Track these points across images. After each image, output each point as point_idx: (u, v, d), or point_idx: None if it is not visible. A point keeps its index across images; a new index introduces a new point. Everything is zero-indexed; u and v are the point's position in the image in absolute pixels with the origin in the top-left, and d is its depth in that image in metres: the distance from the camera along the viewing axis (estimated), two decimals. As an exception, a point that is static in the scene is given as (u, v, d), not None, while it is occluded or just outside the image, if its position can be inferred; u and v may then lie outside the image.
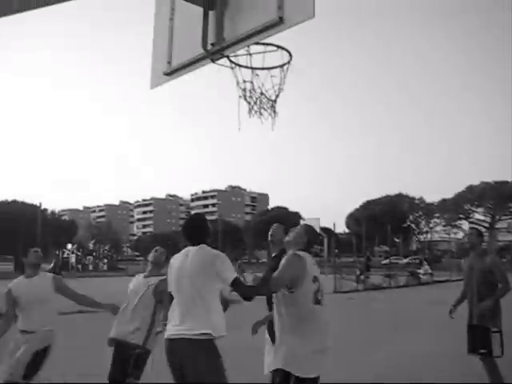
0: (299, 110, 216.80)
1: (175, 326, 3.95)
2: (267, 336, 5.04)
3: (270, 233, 5.32)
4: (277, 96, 4.56)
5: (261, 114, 4.50)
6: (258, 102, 4.51)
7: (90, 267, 52.93)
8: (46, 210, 58.97)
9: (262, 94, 4.49)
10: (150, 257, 5.46)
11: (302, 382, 3.88)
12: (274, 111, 4.55)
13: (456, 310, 6.54)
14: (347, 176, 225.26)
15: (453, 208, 77.78)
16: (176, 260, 4.20)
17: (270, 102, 4.53)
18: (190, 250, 4.13)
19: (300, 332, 3.96)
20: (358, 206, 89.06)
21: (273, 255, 5.23)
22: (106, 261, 56.93)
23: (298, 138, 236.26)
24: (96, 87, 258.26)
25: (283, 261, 4.11)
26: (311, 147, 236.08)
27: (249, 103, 4.55)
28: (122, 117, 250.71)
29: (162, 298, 5.11)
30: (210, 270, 3.94)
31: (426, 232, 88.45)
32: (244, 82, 4.51)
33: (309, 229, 4.46)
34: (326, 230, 44.72)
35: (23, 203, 58.24)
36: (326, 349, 4.07)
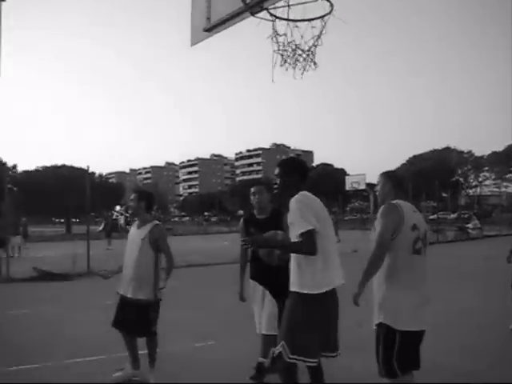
0: (343, 61, 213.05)
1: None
2: (256, 294, 5.24)
3: (255, 199, 5.29)
4: (315, 47, 4.44)
5: (303, 68, 4.41)
6: (297, 54, 4.40)
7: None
8: (93, 173, 60.21)
9: (297, 47, 4.39)
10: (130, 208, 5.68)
11: (407, 336, 3.72)
12: (314, 63, 4.44)
13: None
14: (393, 130, 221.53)
15: (503, 161, 75.76)
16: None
17: (309, 54, 4.42)
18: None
19: (399, 283, 3.78)
20: (404, 161, 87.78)
21: (263, 217, 5.27)
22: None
23: (344, 92, 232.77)
24: (131, 46, 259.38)
25: (378, 216, 3.90)
26: (358, 100, 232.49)
27: (286, 55, 4.46)
28: (161, 77, 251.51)
29: (159, 246, 5.34)
30: None
31: (476, 186, 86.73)
32: (282, 35, 4.40)
33: (389, 174, 4.22)
34: (371, 185, 44.41)
35: (72, 167, 59.61)
36: (426, 300, 3.88)
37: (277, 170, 4.00)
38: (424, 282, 3.91)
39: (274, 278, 4.90)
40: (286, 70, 4.49)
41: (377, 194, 4.20)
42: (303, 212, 3.64)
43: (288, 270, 4.36)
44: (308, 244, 3.58)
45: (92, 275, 13.09)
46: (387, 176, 4.19)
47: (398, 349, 3.71)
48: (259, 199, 5.28)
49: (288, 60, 4.47)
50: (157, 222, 5.45)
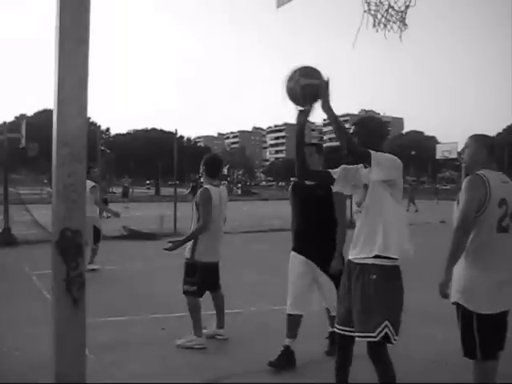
0: (434, 25, 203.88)
1: None
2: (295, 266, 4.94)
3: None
4: (408, 7, 4.22)
5: (398, 28, 4.22)
6: (386, 15, 4.21)
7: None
8: (182, 137, 61.63)
9: (390, 6, 4.19)
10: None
11: (485, 319, 3.41)
12: (404, 24, 4.23)
13: None
14: (490, 98, 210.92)
15: None
16: None
17: (400, 14, 4.21)
18: None
19: (478, 263, 3.45)
20: (501, 130, 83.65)
21: (311, 183, 4.77)
22: (239, 185, 58.79)
23: (434, 56, 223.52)
24: (223, 9, 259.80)
25: (462, 189, 3.49)
26: (450, 64, 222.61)
27: (377, 16, 4.28)
28: (252, 39, 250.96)
29: (198, 210, 5.42)
30: None
31: None
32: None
33: (481, 138, 3.67)
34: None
35: (161, 131, 61.28)
36: (510, 281, 3.48)
37: (354, 129, 3.66)
38: (509, 262, 3.53)
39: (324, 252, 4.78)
40: (377, 31, 4.29)
41: (463, 159, 3.75)
42: (388, 162, 3.40)
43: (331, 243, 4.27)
44: (363, 151, 3.32)
45: (178, 235, 13.47)
46: (478, 140, 3.65)
47: (477, 332, 3.43)
48: (308, 162, 4.67)
49: (381, 20, 4.27)
50: (206, 186, 5.49)
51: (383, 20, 4.23)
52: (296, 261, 4.96)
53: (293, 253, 5.02)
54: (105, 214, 15.47)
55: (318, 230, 4.88)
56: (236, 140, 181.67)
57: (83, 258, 2.60)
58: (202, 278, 5.39)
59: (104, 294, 7.42)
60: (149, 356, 5.10)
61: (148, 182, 79.56)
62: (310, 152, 4.69)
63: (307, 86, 3.40)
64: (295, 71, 3.45)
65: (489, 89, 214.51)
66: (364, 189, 3.52)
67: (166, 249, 5.40)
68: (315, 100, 3.44)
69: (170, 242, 5.50)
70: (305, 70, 3.46)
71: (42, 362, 4.39)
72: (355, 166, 3.65)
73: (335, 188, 3.75)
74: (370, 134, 3.60)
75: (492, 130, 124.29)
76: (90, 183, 9.69)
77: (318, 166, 4.78)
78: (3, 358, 4.99)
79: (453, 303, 3.58)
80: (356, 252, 3.53)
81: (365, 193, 3.51)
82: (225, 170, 65.33)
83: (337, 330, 3.64)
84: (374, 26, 4.25)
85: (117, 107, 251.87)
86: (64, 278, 2.53)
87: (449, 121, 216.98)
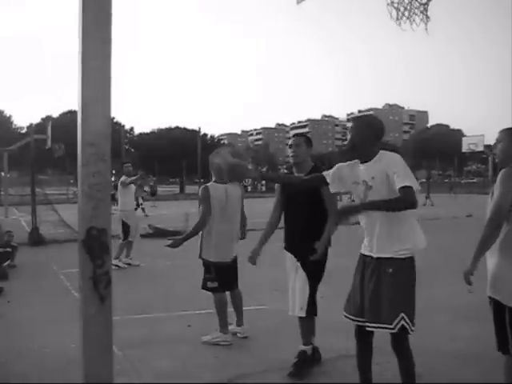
0: (455, 15, 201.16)
1: None
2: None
3: (291, 152, 4.71)
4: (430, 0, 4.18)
5: (412, 19, 4.18)
6: (409, 7, 4.17)
7: (249, 188, 55.11)
8: (205, 134, 61.81)
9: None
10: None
11: None
12: (427, 16, 4.18)
13: None
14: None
15: None
16: None
17: (422, 7, 4.17)
18: None
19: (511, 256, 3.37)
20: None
21: (300, 175, 4.60)
22: (264, 182, 58.76)
23: (460, 47, 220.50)
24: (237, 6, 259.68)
25: (497, 181, 3.41)
26: (474, 56, 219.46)
27: (401, 9, 4.24)
28: (267, 36, 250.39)
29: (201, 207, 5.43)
30: None
31: None
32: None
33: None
34: (490, 147, 42.07)
35: (185, 129, 61.55)
36: None
37: (350, 126, 3.69)
38: None
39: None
40: (399, 24, 4.26)
41: (495, 154, 3.65)
42: (407, 169, 3.37)
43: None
44: (412, 197, 3.24)
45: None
46: (511, 134, 3.56)
47: (510, 327, 3.35)
48: (295, 152, 4.71)
49: (403, 13, 4.24)
50: (207, 184, 5.49)
51: (406, 13, 4.20)
52: (286, 260, 4.87)
53: (284, 251, 4.91)
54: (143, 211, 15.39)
55: (306, 225, 4.67)
56: (259, 137, 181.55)
57: (109, 255, 2.63)
58: (217, 276, 5.40)
59: (130, 292, 7.50)
60: (175, 353, 5.13)
61: (172, 180, 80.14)
62: (298, 142, 4.72)
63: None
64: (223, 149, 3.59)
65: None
66: (364, 185, 3.52)
67: (167, 245, 5.45)
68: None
69: (169, 239, 5.61)
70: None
71: (71, 359, 4.46)
72: (350, 162, 3.65)
73: (332, 189, 3.76)
74: (363, 132, 3.55)
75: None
76: (125, 178, 9.94)
77: (305, 157, 4.73)
78: (34, 356, 5.06)
79: (488, 297, 3.54)
80: (370, 246, 3.55)
81: (367, 188, 3.50)
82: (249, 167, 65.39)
83: (354, 322, 3.65)
84: (398, 18, 4.23)
85: (140, 106, 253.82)
86: (91, 276, 2.56)
87: (475, 113, 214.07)
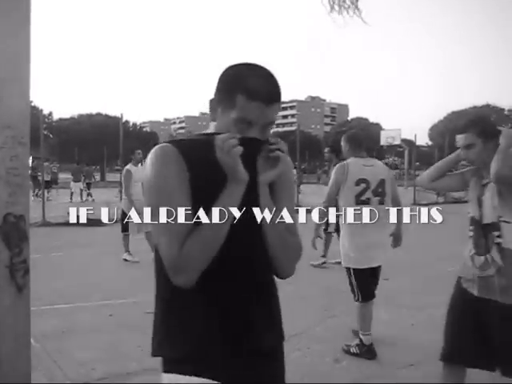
0: (388, 14, 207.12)
1: None
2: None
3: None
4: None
5: (346, 11, 4.28)
6: (340, 2, 4.27)
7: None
8: (127, 122, 60.65)
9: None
10: None
11: None
12: (357, 8, 4.28)
13: None
14: (432, 86, 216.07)
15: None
16: None
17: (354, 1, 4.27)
18: None
19: None
20: (442, 118, 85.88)
21: None
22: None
23: (383, 45, 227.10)
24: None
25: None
26: (397, 55, 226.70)
27: (333, 3, 4.33)
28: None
29: None
30: None
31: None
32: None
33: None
34: (406, 141, 43.66)
35: (106, 116, 60.10)
36: None
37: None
38: None
39: None
40: (332, 19, 4.38)
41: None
42: None
43: None
44: None
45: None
46: None
47: None
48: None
49: (335, 7, 4.36)
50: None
51: (336, 7, 4.30)
52: None
53: None
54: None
55: None
56: (182, 125, 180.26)
57: (28, 243, 2.52)
58: None
59: (50, 281, 7.27)
60: (97, 343, 5.01)
61: (94, 167, 78.10)
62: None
63: None
64: None
65: (432, 78, 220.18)
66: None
67: None
68: None
69: None
70: None
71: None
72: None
73: None
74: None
75: (434, 118, 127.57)
76: (135, 169, 8.42)
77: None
78: None
79: None
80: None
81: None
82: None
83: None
84: (332, 10, 4.33)
85: (60, 91, 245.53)
86: (7, 265, 2.45)
87: (391, 108, 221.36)
